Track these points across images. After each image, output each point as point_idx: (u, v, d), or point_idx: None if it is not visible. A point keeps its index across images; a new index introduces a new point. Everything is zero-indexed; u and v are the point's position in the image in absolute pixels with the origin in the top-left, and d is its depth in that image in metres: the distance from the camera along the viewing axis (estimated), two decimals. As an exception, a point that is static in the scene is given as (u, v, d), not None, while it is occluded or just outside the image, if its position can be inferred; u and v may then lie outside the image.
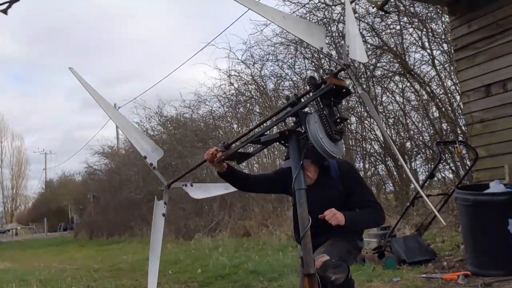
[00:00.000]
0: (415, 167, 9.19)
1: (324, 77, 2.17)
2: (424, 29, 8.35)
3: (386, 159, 9.14)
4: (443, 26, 8.09)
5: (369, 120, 9.17)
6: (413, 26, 8.53)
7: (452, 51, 6.81)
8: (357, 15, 8.92)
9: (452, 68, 7.90)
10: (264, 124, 2.48)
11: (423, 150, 8.84)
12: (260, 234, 10.23)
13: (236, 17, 27.94)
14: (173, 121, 16.27)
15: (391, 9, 7.81)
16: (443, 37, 8.21)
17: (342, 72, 2.17)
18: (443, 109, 8.10)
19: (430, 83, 8.41)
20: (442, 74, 8.38)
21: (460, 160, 7.59)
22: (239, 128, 13.31)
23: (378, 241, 5.39)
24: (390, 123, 9.21)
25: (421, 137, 8.95)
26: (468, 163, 6.56)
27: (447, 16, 6.91)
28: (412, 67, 8.50)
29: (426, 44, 8.43)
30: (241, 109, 13.65)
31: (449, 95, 8.19)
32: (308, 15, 9.16)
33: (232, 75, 12.74)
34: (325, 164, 2.72)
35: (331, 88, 2.10)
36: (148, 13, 59.72)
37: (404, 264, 5.11)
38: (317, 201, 2.44)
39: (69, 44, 64.10)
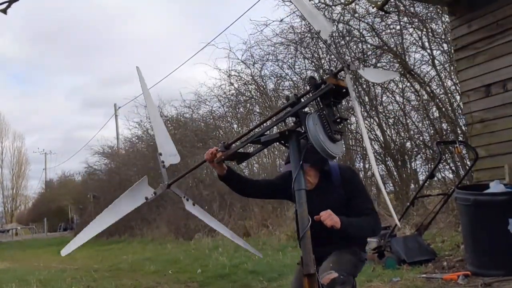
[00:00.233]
0: (415, 167, 9.21)
1: (324, 77, 2.16)
2: (424, 29, 8.35)
3: (386, 159, 9.14)
4: (443, 26, 8.09)
5: (369, 120, 9.17)
6: (413, 26, 8.53)
7: (452, 51, 6.81)
8: (357, 15, 8.94)
9: (452, 68, 7.89)
10: (264, 124, 2.47)
11: (423, 150, 8.84)
12: (260, 234, 10.24)
13: (236, 17, 28.05)
14: (173, 121, 16.27)
15: (391, 9, 7.81)
16: (443, 37, 8.21)
17: (342, 72, 2.18)
18: (443, 109, 8.10)
19: (430, 83, 8.40)
20: (442, 74, 8.38)
21: (460, 160, 7.59)
22: (239, 128, 13.31)
23: (378, 241, 5.39)
24: (390, 123, 9.21)
25: (421, 137, 8.95)
26: (468, 163, 6.56)
27: (447, 16, 6.90)
28: (412, 67, 8.49)
29: (426, 44, 8.44)
30: (241, 109, 13.66)
31: (449, 95, 8.18)
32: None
33: (232, 75, 12.77)
34: (326, 169, 2.70)
35: (331, 88, 2.09)
36: (148, 13, 59.84)
37: (404, 264, 5.11)
38: (317, 206, 2.41)
39: (69, 44, 64.27)
